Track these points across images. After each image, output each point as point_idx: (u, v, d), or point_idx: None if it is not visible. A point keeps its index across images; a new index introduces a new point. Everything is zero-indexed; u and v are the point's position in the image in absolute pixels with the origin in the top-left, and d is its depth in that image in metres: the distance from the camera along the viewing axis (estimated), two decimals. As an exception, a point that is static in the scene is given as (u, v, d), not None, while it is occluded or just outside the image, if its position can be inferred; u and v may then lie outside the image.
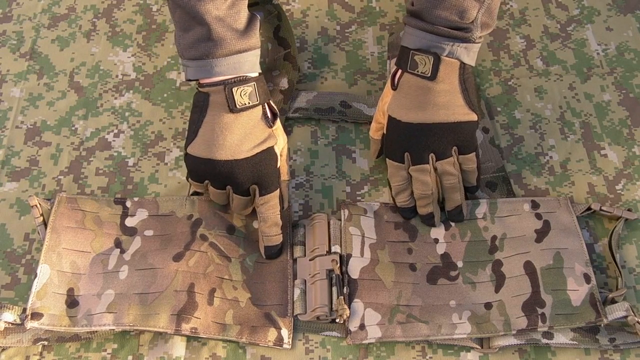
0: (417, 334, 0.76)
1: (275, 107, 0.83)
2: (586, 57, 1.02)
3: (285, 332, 0.77)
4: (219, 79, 0.78)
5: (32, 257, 0.84)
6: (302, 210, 0.88)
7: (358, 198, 0.89)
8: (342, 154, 0.93)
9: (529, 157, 0.92)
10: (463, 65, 0.81)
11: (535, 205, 0.85)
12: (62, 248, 0.81)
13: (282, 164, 0.84)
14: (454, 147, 0.82)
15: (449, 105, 0.81)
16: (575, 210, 0.84)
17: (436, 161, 0.82)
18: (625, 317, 0.74)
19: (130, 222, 0.85)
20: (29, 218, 0.87)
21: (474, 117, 0.82)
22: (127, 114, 0.98)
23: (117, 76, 1.02)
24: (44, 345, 0.78)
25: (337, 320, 0.77)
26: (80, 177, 0.91)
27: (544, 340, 0.76)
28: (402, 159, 0.83)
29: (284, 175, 0.85)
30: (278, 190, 0.82)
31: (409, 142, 0.82)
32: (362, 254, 0.81)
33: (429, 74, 0.80)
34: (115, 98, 0.99)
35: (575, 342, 0.76)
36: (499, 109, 0.97)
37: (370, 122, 0.92)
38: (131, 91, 1.00)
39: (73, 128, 0.96)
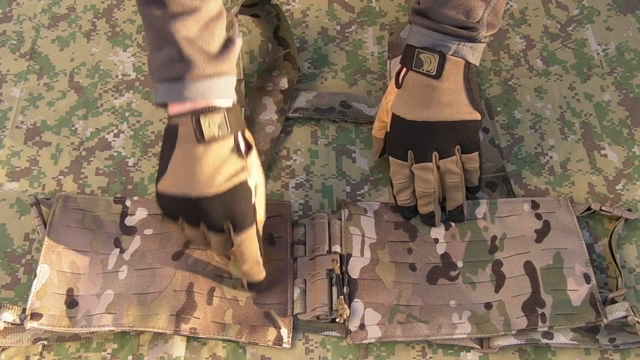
0: (417, 334, 0.76)
1: (250, 140, 0.78)
2: (586, 57, 1.02)
3: (284, 332, 0.77)
4: (187, 109, 0.73)
5: (32, 257, 0.84)
6: (302, 210, 0.88)
7: (358, 198, 0.89)
8: (342, 154, 0.93)
9: (529, 157, 0.92)
10: (468, 65, 0.81)
11: (535, 206, 0.85)
12: (61, 248, 0.81)
13: (260, 200, 0.78)
14: (457, 146, 0.82)
15: (453, 104, 0.81)
16: (575, 210, 0.84)
17: (439, 160, 0.82)
18: (625, 317, 0.74)
19: (129, 221, 0.85)
20: (29, 218, 0.87)
21: (477, 116, 0.82)
22: (127, 114, 0.98)
23: (117, 76, 1.02)
24: (44, 345, 0.78)
25: (337, 320, 0.77)
26: (80, 177, 0.91)
27: (544, 340, 0.76)
28: (405, 157, 0.83)
29: (261, 215, 0.79)
30: (254, 225, 0.76)
31: (413, 139, 0.82)
32: (362, 254, 0.81)
33: (434, 73, 0.80)
34: (115, 98, 0.99)
35: (575, 342, 0.76)
36: (499, 109, 0.97)
37: (371, 122, 0.93)
38: (131, 91, 1.00)
39: (73, 128, 0.96)
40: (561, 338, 0.76)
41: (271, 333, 0.77)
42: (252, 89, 0.98)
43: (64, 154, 0.94)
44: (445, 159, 0.82)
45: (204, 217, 0.75)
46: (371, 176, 0.91)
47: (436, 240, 0.84)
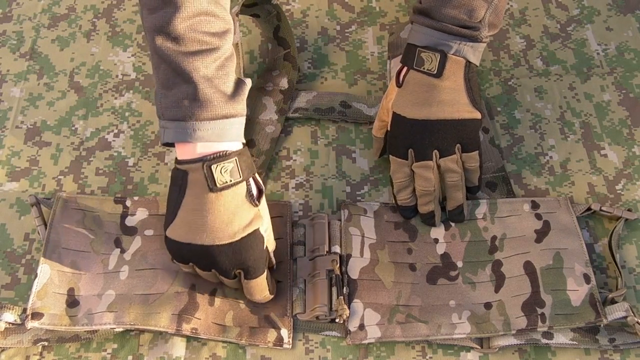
0: (417, 334, 0.76)
1: (261, 183, 0.77)
2: (586, 57, 1.02)
3: (285, 332, 0.77)
4: (197, 155, 0.72)
5: (32, 257, 0.84)
6: (302, 210, 0.88)
7: (358, 198, 0.89)
8: (342, 154, 0.93)
9: (529, 157, 0.92)
10: (468, 64, 0.82)
11: (535, 206, 0.85)
12: (62, 248, 0.81)
13: (269, 235, 0.79)
14: (458, 145, 0.82)
15: (454, 102, 0.81)
16: (575, 210, 0.84)
17: (439, 158, 0.82)
18: (625, 317, 0.74)
19: (130, 221, 0.85)
20: (29, 218, 0.87)
21: (477, 115, 0.82)
22: (127, 114, 0.98)
23: (117, 76, 1.02)
24: (44, 346, 0.77)
25: (337, 320, 0.77)
26: (80, 177, 0.91)
27: (544, 341, 0.75)
28: (405, 155, 0.83)
29: (271, 245, 0.79)
30: (265, 274, 0.76)
31: (414, 138, 0.83)
32: (361, 254, 0.81)
33: (435, 71, 0.81)
34: (115, 98, 0.99)
35: (575, 343, 0.76)
36: (499, 109, 0.97)
37: (371, 122, 0.93)
38: (131, 91, 1.00)
39: (73, 128, 0.96)
40: (561, 338, 0.76)
41: (271, 334, 0.77)
42: (252, 89, 0.97)
43: (64, 154, 0.94)
44: (445, 158, 0.82)
45: (215, 265, 0.75)
46: (371, 176, 0.91)
47: (436, 241, 0.84)
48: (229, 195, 0.73)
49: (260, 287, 0.77)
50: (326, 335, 0.78)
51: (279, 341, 0.77)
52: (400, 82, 0.84)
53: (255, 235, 0.75)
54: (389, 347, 0.78)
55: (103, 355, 0.77)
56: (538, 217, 0.84)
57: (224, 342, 0.78)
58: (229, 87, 0.73)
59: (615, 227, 0.83)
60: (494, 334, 0.76)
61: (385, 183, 0.90)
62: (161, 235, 0.83)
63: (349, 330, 0.77)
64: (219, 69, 0.72)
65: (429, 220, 0.84)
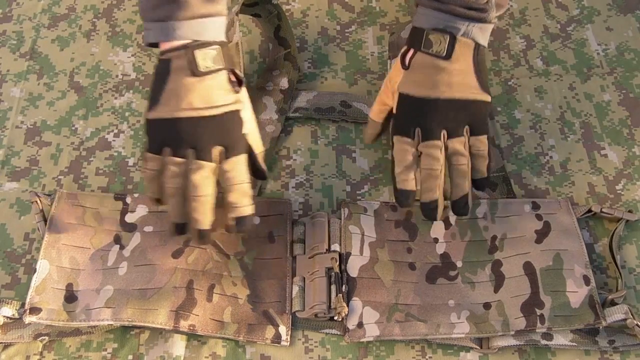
0: (416, 333, 0.76)
1: (240, 75, 0.80)
2: (586, 57, 1.02)
3: (283, 329, 0.77)
4: (180, 44, 0.75)
5: (32, 257, 0.84)
6: (302, 209, 0.88)
7: (358, 197, 0.89)
8: (342, 153, 0.93)
9: (529, 157, 0.92)
10: (477, 46, 0.80)
11: (535, 207, 0.85)
12: (61, 244, 0.81)
13: (254, 134, 0.81)
14: (466, 127, 0.80)
15: (463, 84, 0.79)
16: (576, 212, 0.84)
17: (447, 139, 0.80)
18: (624, 320, 0.74)
19: (130, 218, 0.85)
20: (29, 218, 0.87)
21: (487, 97, 0.81)
22: (127, 113, 0.98)
23: (117, 76, 1.02)
24: (44, 345, 0.78)
25: (335, 318, 0.77)
26: (80, 177, 0.91)
27: (543, 342, 0.75)
28: (411, 135, 0.80)
29: (259, 147, 0.82)
30: (245, 156, 0.78)
31: (422, 117, 0.80)
32: (361, 252, 0.81)
33: (444, 54, 0.79)
34: (115, 98, 0.99)
35: (574, 344, 0.75)
36: (499, 109, 0.97)
37: (371, 122, 0.92)
38: (131, 91, 1.00)
39: (73, 128, 0.96)
40: (560, 339, 0.75)
41: (269, 331, 0.77)
42: (252, 88, 0.98)
43: (64, 154, 0.94)
44: (453, 139, 0.79)
45: (195, 138, 0.75)
46: (371, 176, 0.91)
47: (436, 240, 0.84)
48: (210, 79, 0.75)
49: (240, 171, 0.77)
50: (325, 333, 0.78)
51: (277, 338, 0.77)
52: (407, 64, 0.82)
53: (235, 115, 0.77)
54: (388, 346, 0.78)
55: (103, 355, 0.77)
56: (539, 217, 0.84)
57: (221, 338, 0.77)
58: None
59: (616, 228, 0.83)
60: (492, 334, 0.76)
61: (386, 183, 0.90)
62: (161, 232, 0.83)
63: (348, 328, 0.77)
64: None
65: (430, 211, 0.80)
